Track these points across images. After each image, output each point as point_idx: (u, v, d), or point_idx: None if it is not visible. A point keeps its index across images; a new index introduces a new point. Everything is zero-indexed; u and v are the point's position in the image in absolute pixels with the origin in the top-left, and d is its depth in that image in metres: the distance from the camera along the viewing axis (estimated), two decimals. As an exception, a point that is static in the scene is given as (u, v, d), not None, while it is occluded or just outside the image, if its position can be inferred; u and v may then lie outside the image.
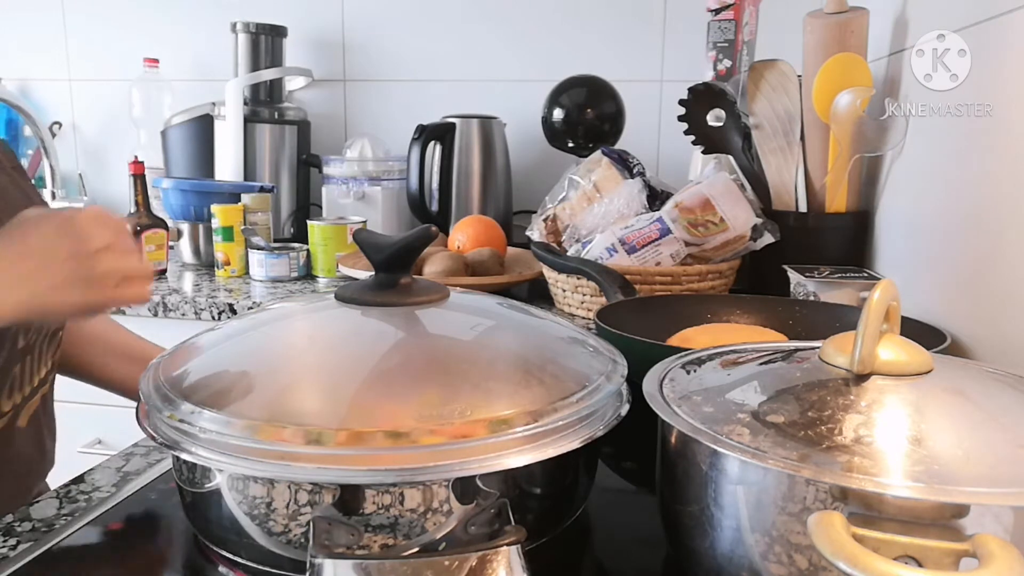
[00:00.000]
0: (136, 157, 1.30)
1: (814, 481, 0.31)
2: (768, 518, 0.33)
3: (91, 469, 0.55)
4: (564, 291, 1.04)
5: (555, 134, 1.40)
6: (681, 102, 1.09)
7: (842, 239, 1.01)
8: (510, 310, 0.54)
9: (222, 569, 0.41)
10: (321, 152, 1.55)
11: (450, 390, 0.40)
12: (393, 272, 0.48)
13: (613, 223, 1.03)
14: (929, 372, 0.37)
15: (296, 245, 1.32)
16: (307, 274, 1.30)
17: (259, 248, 1.26)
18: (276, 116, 1.55)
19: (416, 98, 1.65)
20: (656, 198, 1.06)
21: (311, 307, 0.53)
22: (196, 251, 1.36)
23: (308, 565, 0.31)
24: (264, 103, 1.56)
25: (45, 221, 0.52)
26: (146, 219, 1.27)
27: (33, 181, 0.67)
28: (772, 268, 0.99)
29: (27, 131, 1.75)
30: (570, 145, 1.39)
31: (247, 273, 1.29)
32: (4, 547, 0.44)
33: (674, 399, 0.39)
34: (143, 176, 1.28)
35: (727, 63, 1.22)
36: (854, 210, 1.01)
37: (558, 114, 1.37)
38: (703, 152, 1.13)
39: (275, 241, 1.37)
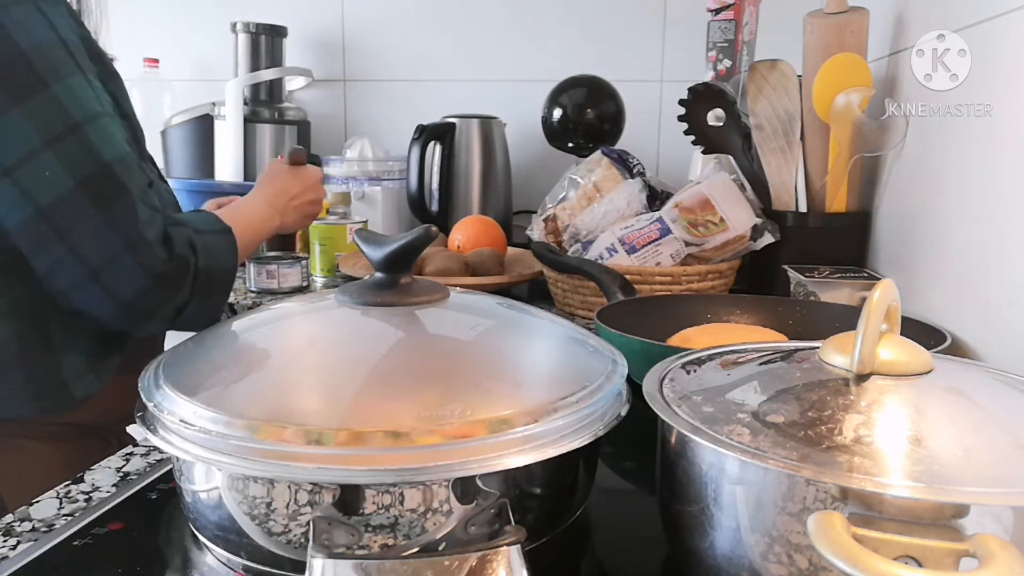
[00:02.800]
0: (281, 156, 1.27)
1: (814, 481, 0.31)
2: (768, 518, 0.33)
3: (91, 469, 0.55)
4: (564, 291, 1.04)
5: (555, 134, 1.40)
6: (681, 102, 1.09)
7: (842, 239, 1.01)
8: (510, 310, 0.54)
9: (222, 569, 0.41)
10: (321, 152, 1.55)
11: (450, 390, 0.40)
12: (393, 272, 0.48)
13: (613, 223, 1.03)
14: (929, 372, 0.37)
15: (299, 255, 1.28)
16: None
17: (264, 259, 1.19)
18: (276, 116, 1.55)
19: (416, 98, 1.65)
20: (656, 198, 1.06)
21: (311, 307, 0.53)
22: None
23: (308, 565, 0.31)
24: (264, 103, 1.56)
25: (295, 175, 0.96)
26: None
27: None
28: (772, 268, 0.99)
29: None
30: (570, 145, 1.39)
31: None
32: (4, 547, 0.44)
33: (674, 399, 0.39)
34: None
35: (727, 63, 1.22)
36: (854, 210, 1.01)
37: (558, 114, 1.37)
38: (703, 152, 1.13)
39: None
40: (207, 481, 0.40)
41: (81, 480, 0.53)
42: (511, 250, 1.25)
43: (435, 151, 1.40)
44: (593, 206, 1.07)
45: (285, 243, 1.29)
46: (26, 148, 0.61)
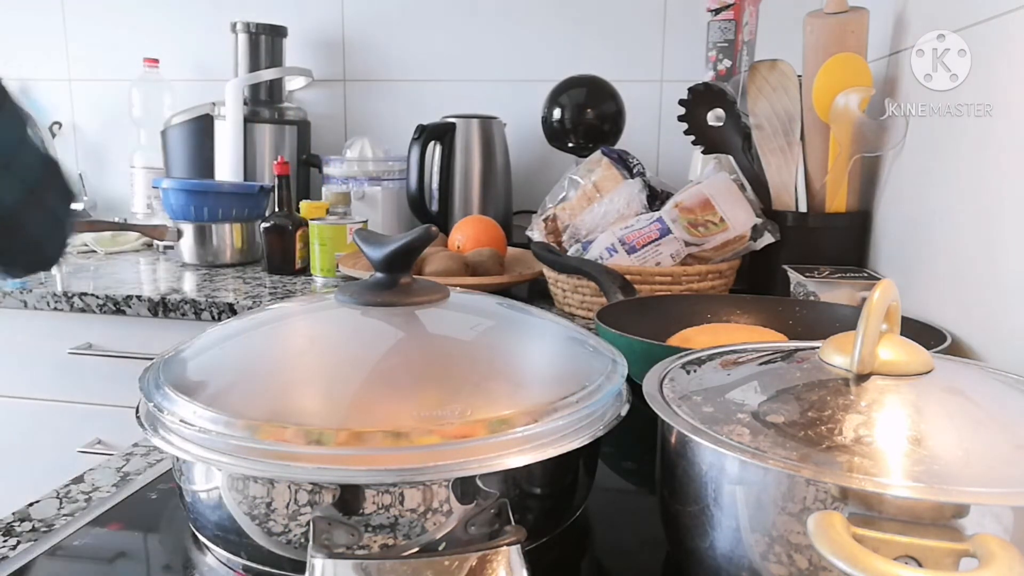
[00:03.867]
0: (281, 158, 1.33)
1: (814, 481, 0.31)
2: (768, 518, 0.33)
3: (91, 469, 0.55)
4: (564, 291, 1.04)
5: (555, 134, 1.40)
6: (681, 102, 1.09)
7: (842, 239, 1.01)
8: (510, 310, 0.54)
9: (222, 569, 0.41)
10: (321, 152, 1.55)
11: (450, 390, 0.40)
12: (393, 272, 0.48)
13: (613, 223, 1.03)
14: (929, 372, 0.37)
15: None
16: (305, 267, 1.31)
17: None
18: (276, 116, 1.55)
19: (416, 98, 1.65)
20: (656, 198, 1.06)
21: (311, 307, 0.53)
22: (197, 251, 1.37)
23: (308, 565, 0.31)
24: (264, 103, 1.55)
25: None
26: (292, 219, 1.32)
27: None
28: (772, 268, 0.99)
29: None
30: (570, 145, 1.39)
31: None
32: (4, 547, 0.44)
33: (674, 399, 0.39)
34: (288, 177, 1.31)
35: (727, 63, 1.22)
36: (854, 210, 1.01)
37: (558, 114, 1.37)
38: (703, 152, 1.13)
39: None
40: (207, 481, 0.40)
41: (81, 480, 0.53)
42: (511, 250, 1.25)
43: (435, 151, 1.40)
44: (593, 206, 1.07)
45: (285, 245, 1.29)
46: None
